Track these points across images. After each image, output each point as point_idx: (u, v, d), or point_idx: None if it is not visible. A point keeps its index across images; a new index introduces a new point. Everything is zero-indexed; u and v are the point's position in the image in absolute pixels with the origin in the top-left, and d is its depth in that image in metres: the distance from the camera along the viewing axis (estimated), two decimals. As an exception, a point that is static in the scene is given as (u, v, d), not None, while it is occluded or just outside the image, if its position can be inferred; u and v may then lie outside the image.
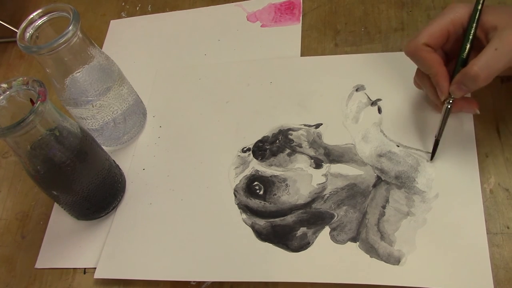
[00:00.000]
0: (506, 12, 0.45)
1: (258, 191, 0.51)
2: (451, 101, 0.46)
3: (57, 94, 0.52)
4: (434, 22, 0.47)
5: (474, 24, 0.45)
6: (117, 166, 0.55)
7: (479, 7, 0.45)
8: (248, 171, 0.53)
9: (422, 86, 0.50)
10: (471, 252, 0.43)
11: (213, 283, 0.47)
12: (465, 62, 0.45)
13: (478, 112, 0.47)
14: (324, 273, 0.45)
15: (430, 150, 0.49)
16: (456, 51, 0.46)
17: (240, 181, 0.52)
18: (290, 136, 0.54)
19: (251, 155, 0.54)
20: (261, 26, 0.65)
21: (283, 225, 0.48)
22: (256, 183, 0.52)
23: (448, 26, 0.46)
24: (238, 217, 0.50)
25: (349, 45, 0.60)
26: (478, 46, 0.45)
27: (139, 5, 0.73)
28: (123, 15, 0.73)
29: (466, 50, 0.46)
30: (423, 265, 0.43)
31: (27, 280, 0.52)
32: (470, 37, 0.45)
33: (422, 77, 0.49)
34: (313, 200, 0.49)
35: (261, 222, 0.49)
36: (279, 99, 0.57)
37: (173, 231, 0.51)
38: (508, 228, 0.44)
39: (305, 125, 0.54)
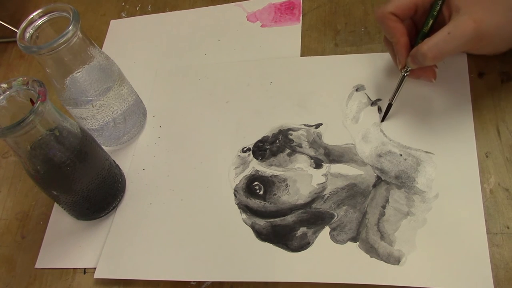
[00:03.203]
0: None
1: (258, 191, 0.51)
2: (408, 70, 0.49)
3: (57, 94, 0.52)
4: None
5: (438, 6, 0.47)
6: (117, 166, 0.55)
7: None
8: (248, 171, 0.53)
9: (387, 50, 0.52)
10: (471, 252, 0.43)
11: (213, 283, 0.47)
12: (426, 37, 0.47)
13: (433, 81, 0.50)
14: (324, 273, 0.45)
15: (430, 150, 0.49)
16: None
17: (240, 181, 0.52)
18: (290, 136, 0.54)
19: (251, 155, 0.54)
20: (261, 26, 0.65)
21: (283, 225, 0.48)
22: (256, 183, 0.52)
23: (416, 0, 0.48)
24: (238, 217, 0.50)
25: (349, 45, 0.60)
26: (442, 22, 0.46)
27: (139, 5, 0.73)
28: (123, 15, 0.73)
29: (428, 26, 0.48)
30: (423, 265, 0.43)
31: (27, 280, 0.52)
32: (435, 13, 0.48)
33: (387, 43, 0.52)
34: (313, 200, 0.49)
35: (261, 222, 0.49)
36: (279, 99, 0.57)
37: (173, 231, 0.51)
38: (508, 228, 0.44)
39: (305, 125, 0.54)
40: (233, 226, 0.49)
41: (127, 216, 0.53)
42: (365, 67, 0.56)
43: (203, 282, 0.48)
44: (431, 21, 0.48)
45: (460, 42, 0.44)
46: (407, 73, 0.49)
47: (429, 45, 0.45)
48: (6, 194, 0.59)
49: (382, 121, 0.52)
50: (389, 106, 0.51)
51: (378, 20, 0.50)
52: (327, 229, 0.47)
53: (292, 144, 0.53)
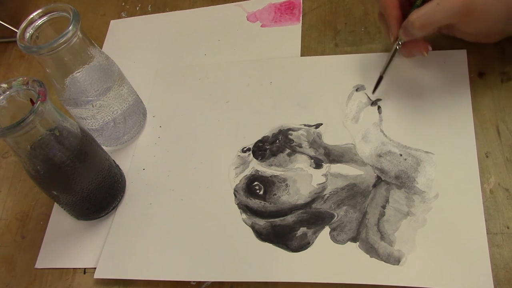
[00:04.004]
0: None
1: (258, 191, 0.51)
2: (400, 43, 0.51)
3: (57, 94, 0.52)
4: None
5: None
6: (117, 166, 0.55)
7: None
8: (248, 171, 0.53)
9: (381, 25, 0.54)
10: (471, 252, 0.43)
11: (213, 283, 0.47)
12: None
13: (425, 55, 0.50)
14: (324, 273, 0.45)
15: (430, 150, 0.49)
16: None
17: (240, 181, 0.52)
18: (290, 136, 0.54)
19: (251, 155, 0.54)
20: (261, 26, 0.65)
21: (283, 225, 0.48)
22: (256, 183, 0.52)
23: None
24: (238, 217, 0.50)
25: (349, 45, 0.60)
26: None
27: (139, 5, 0.73)
28: (123, 15, 0.73)
29: None
30: (423, 265, 0.43)
31: (27, 280, 0.52)
32: None
33: (381, 17, 0.53)
34: (313, 200, 0.49)
35: (261, 222, 0.49)
36: (279, 99, 0.57)
37: (173, 231, 0.51)
38: (508, 228, 0.44)
39: (305, 125, 0.54)
40: (233, 226, 0.49)
41: (127, 216, 0.53)
42: (365, 67, 0.56)
43: (203, 282, 0.48)
44: None
45: (448, 13, 0.46)
46: (399, 46, 0.51)
47: (418, 15, 0.47)
48: (6, 194, 0.59)
49: (373, 92, 0.53)
50: (380, 79, 0.52)
51: None
52: (327, 229, 0.47)
53: (292, 144, 0.53)
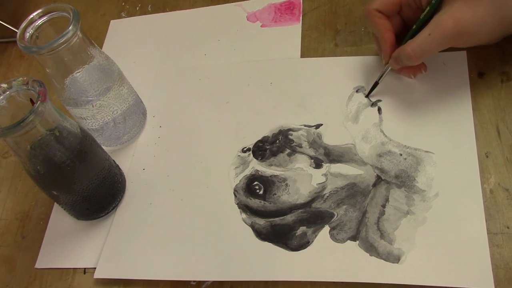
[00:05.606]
0: None
1: (258, 190, 0.51)
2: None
3: (57, 94, 0.52)
4: None
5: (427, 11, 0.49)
6: (117, 166, 0.55)
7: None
8: (248, 171, 0.53)
9: (375, 44, 0.54)
10: (471, 250, 0.43)
11: (213, 283, 0.47)
12: (416, 33, 0.49)
13: (413, 77, 0.52)
14: (323, 271, 0.45)
15: (430, 150, 0.49)
16: (413, 19, 0.50)
17: (240, 181, 0.52)
18: (290, 136, 0.54)
19: (251, 155, 0.54)
20: (261, 26, 0.65)
21: (282, 225, 0.48)
22: (256, 183, 0.52)
23: None
24: (238, 217, 0.50)
25: (349, 45, 0.60)
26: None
27: (139, 5, 0.73)
28: (123, 15, 0.73)
29: (418, 25, 0.50)
30: (423, 263, 0.43)
31: (27, 280, 0.52)
32: (420, 17, 0.49)
33: (375, 38, 0.54)
34: (313, 200, 0.49)
35: (261, 222, 0.49)
36: (279, 100, 0.57)
37: (173, 231, 0.51)
38: (508, 228, 0.44)
39: (305, 125, 0.54)
40: (233, 226, 0.49)
41: (127, 216, 0.53)
42: (365, 69, 0.56)
43: (203, 282, 0.48)
44: (420, 22, 0.49)
45: (441, 41, 0.46)
46: (389, 69, 0.52)
47: (412, 47, 0.47)
48: (6, 194, 0.59)
49: (366, 96, 0.54)
50: (376, 84, 0.53)
51: (365, 16, 0.52)
52: (326, 228, 0.47)
53: (292, 144, 0.53)
